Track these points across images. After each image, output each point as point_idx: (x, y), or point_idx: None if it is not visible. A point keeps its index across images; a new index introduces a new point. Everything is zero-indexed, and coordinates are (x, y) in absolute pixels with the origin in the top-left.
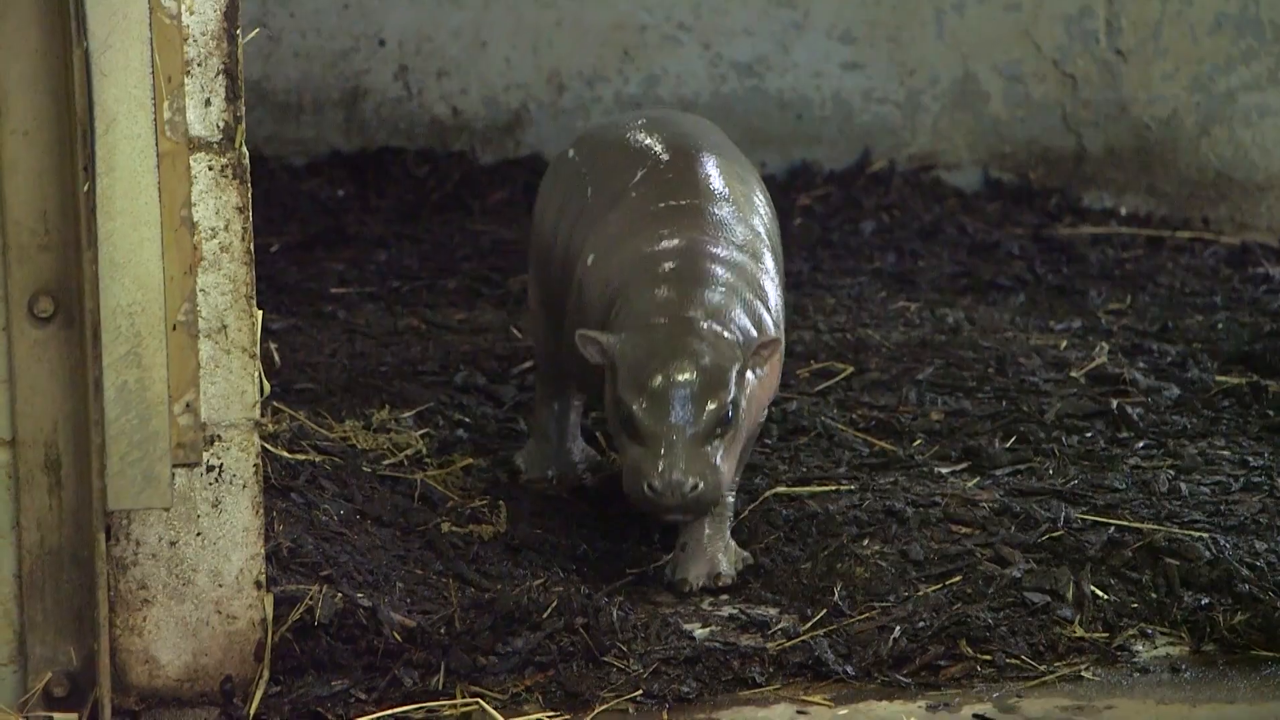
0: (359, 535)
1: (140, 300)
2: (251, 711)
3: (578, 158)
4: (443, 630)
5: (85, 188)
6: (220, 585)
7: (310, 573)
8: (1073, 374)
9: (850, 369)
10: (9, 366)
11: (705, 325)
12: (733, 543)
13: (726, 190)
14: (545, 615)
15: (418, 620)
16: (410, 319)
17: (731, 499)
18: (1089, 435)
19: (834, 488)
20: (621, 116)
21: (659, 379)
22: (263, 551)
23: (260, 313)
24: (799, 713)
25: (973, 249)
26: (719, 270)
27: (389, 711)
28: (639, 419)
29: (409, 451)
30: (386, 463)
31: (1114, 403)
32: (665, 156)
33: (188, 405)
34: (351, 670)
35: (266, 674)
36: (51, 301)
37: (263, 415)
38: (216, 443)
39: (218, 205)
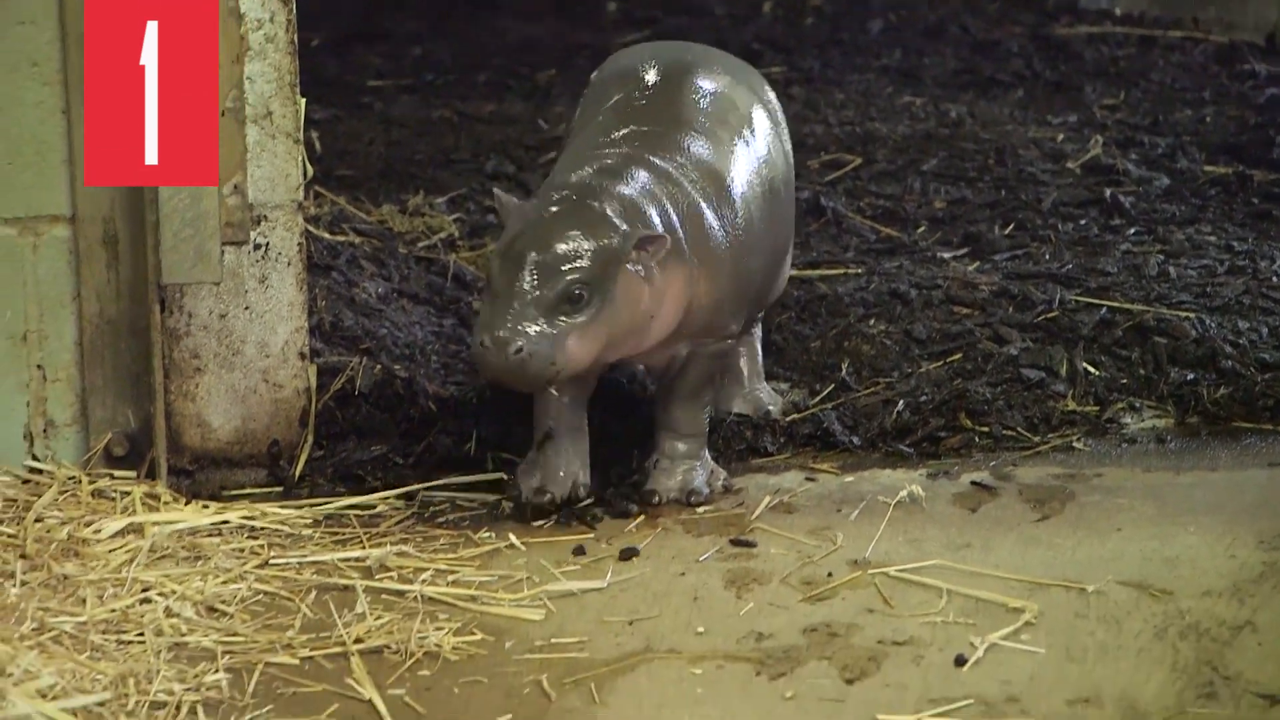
0: (396, 311)
1: None
2: (297, 473)
3: (594, 81)
4: (474, 400)
5: None
6: (267, 356)
7: (351, 345)
8: (1068, 165)
9: (858, 160)
10: (69, 149)
11: (596, 207)
12: (709, 460)
13: (696, 119)
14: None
15: (451, 390)
16: (443, 110)
17: (706, 416)
18: (1083, 223)
19: (842, 271)
20: (644, 46)
21: (518, 240)
22: (306, 325)
23: (303, 100)
24: (808, 479)
25: (974, 47)
26: (645, 174)
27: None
28: (492, 276)
29: (442, 234)
30: (421, 244)
31: (1107, 192)
32: (647, 84)
33: (235, 187)
34: (389, 436)
35: (310, 438)
36: None
37: (305, 198)
38: (263, 222)
39: None
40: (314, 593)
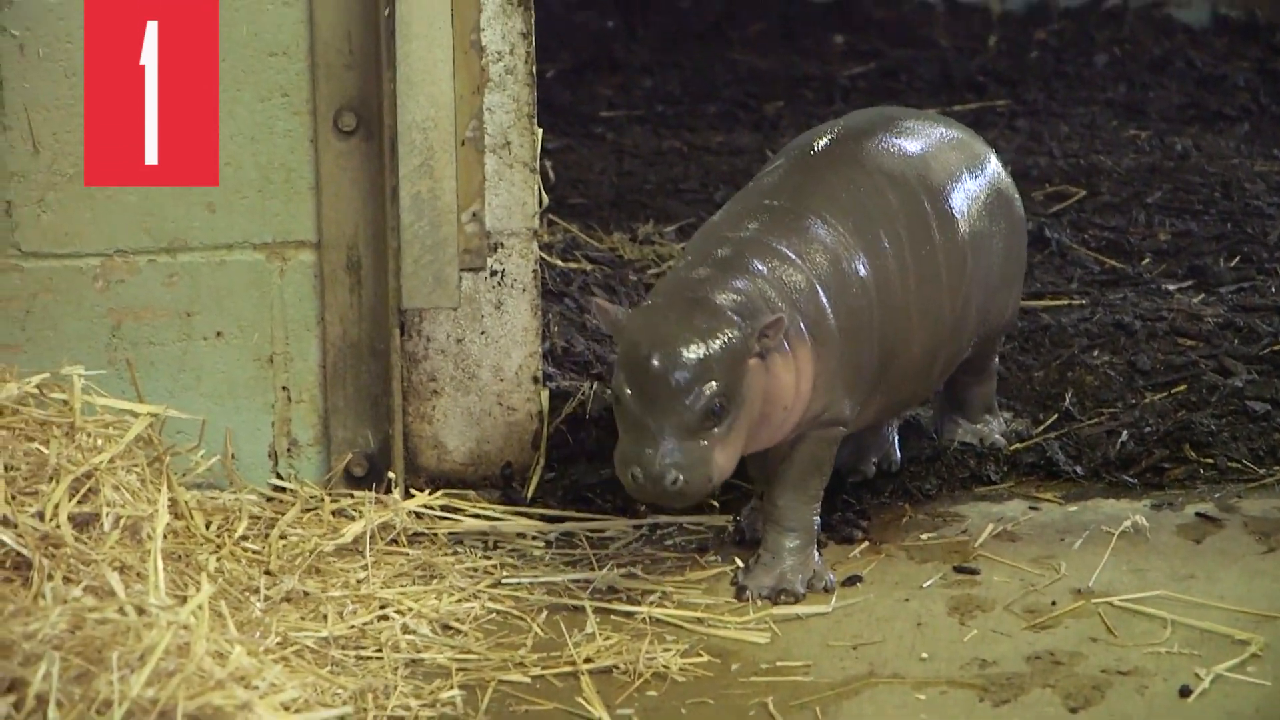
0: None
1: (433, 117)
2: (529, 494)
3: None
4: None
5: (385, 12)
6: (501, 379)
7: (582, 370)
8: None
9: (1083, 192)
10: (315, 175)
11: (714, 306)
12: (816, 560)
13: (842, 197)
14: None
15: None
16: (673, 140)
17: (815, 510)
18: None
19: (1066, 302)
20: (859, 112)
21: (646, 362)
22: (540, 350)
23: (540, 131)
24: (1031, 508)
25: (1200, 81)
26: (765, 262)
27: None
28: (626, 403)
29: (671, 262)
30: (651, 272)
31: None
32: (805, 157)
33: (474, 214)
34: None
35: (543, 461)
36: (354, 116)
37: (540, 226)
38: (499, 249)
39: (504, 30)
40: (545, 612)
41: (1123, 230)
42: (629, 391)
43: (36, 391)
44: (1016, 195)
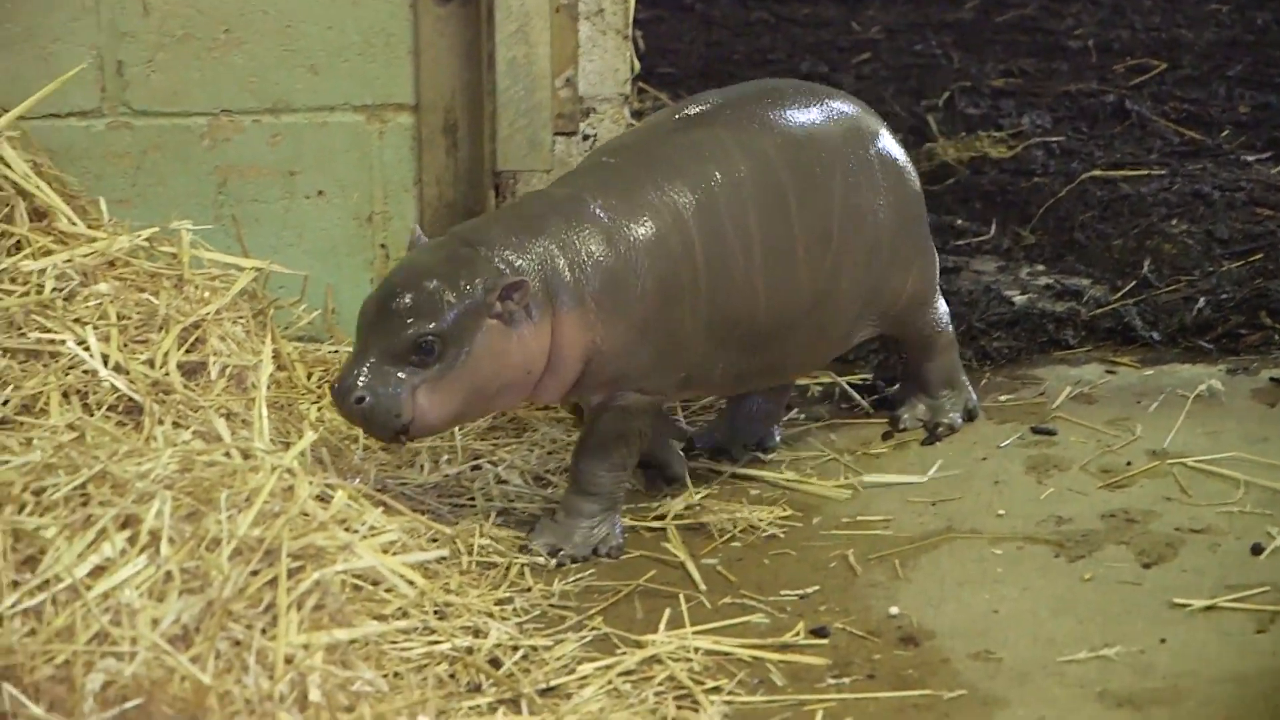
0: None
1: None
2: None
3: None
4: None
5: None
6: None
7: None
8: None
9: (1164, 65)
10: (414, 40)
11: (470, 253)
12: (616, 524)
13: (681, 162)
14: None
15: None
16: (761, 11)
17: (615, 476)
18: None
19: (1145, 173)
20: (749, 83)
21: (383, 288)
22: None
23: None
24: (1108, 371)
25: None
26: (566, 223)
27: None
28: (357, 323)
29: None
30: None
31: None
32: (663, 120)
33: (567, 80)
34: None
35: None
36: None
37: (631, 93)
38: (592, 114)
39: None
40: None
41: (1203, 103)
42: (361, 313)
43: (147, 244)
44: (912, 173)
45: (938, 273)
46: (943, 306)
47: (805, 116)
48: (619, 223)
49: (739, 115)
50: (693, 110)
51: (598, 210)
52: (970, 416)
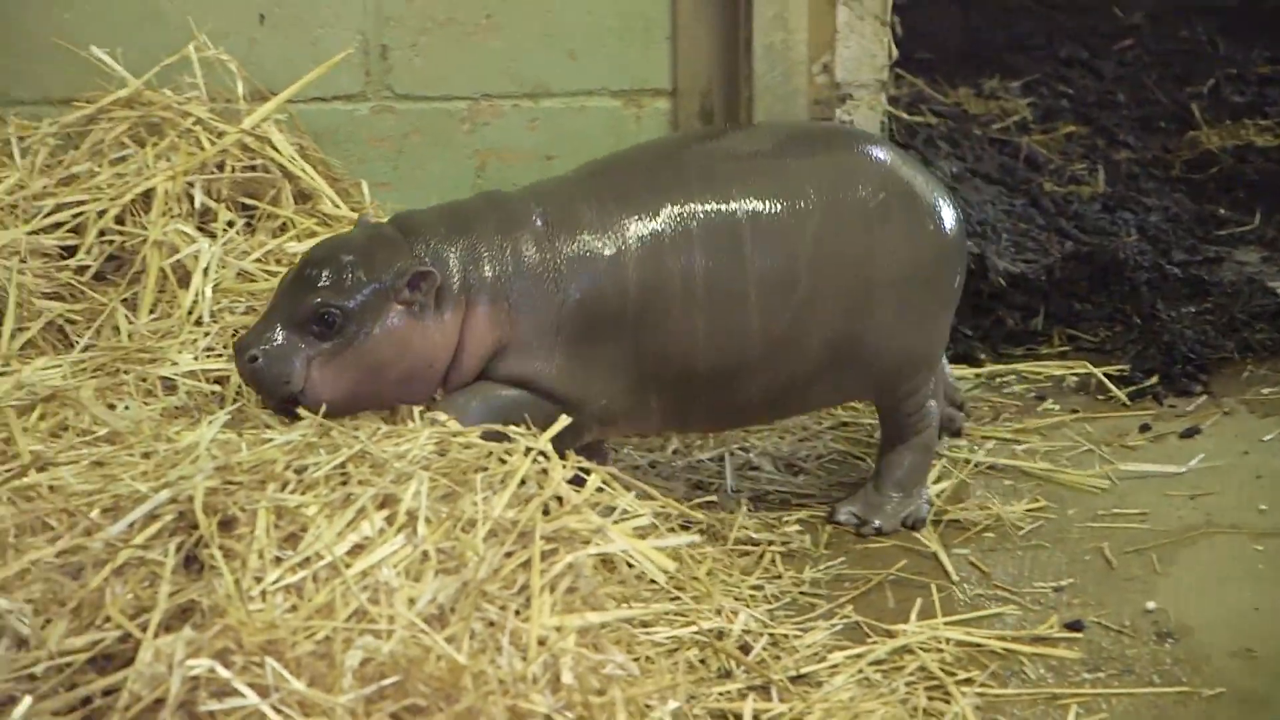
0: (969, 190)
1: None
2: None
3: None
4: (1043, 278)
5: None
6: None
7: None
8: None
9: None
10: (672, 25)
11: (390, 236)
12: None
13: (633, 189)
14: (1132, 270)
15: (1021, 267)
16: None
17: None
18: None
19: None
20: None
21: (304, 254)
22: None
23: None
24: None
25: None
26: (502, 226)
27: None
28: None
29: (1016, 117)
30: (995, 126)
31: None
32: (648, 146)
33: (824, 66)
34: (959, 309)
35: None
36: None
37: (887, 79)
38: (848, 100)
39: None
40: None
41: None
42: (280, 279)
43: None
44: (939, 236)
45: (938, 356)
46: (933, 403)
47: (794, 160)
48: (552, 234)
49: (717, 151)
50: (679, 140)
51: (537, 219)
52: (912, 526)
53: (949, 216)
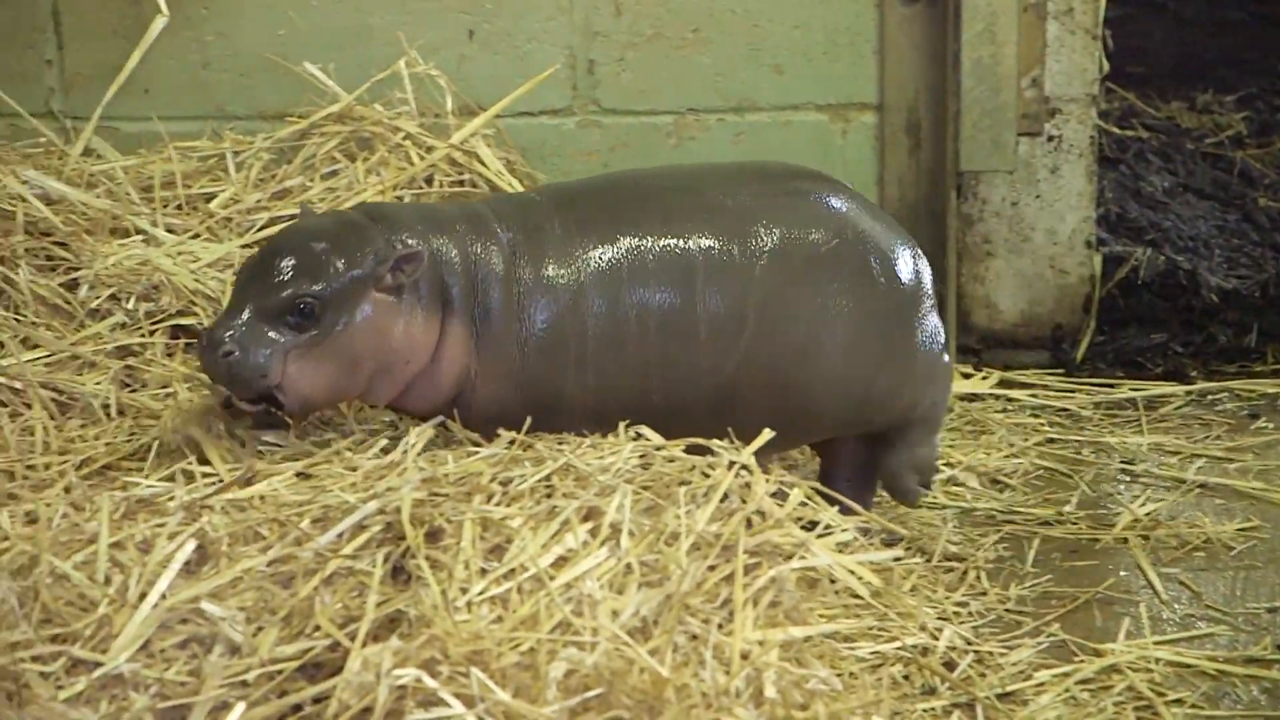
0: (1181, 205)
1: None
2: (1079, 356)
3: None
4: (1257, 294)
5: None
6: (1054, 243)
7: (1135, 236)
8: None
9: None
10: (879, 39)
11: (361, 223)
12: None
13: (596, 219)
14: None
15: (1234, 283)
16: (1237, 10)
17: None
18: None
19: None
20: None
21: (268, 243)
22: (1093, 214)
23: None
24: None
25: None
26: (475, 232)
27: None
28: (236, 278)
29: (1230, 132)
30: (1208, 141)
31: None
32: (628, 176)
33: (1033, 80)
34: (1169, 325)
35: (1093, 324)
36: None
37: (1098, 93)
38: (1057, 115)
39: None
40: (1092, 471)
41: None
42: (238, 271)
43: None
44: (898, 279)
45: (923, 376)
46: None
47: (751, 200)
48: (515, 254)
49: (692, 192)
50: (657, 175)
51: (502, 234)
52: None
53: (905, 267)
